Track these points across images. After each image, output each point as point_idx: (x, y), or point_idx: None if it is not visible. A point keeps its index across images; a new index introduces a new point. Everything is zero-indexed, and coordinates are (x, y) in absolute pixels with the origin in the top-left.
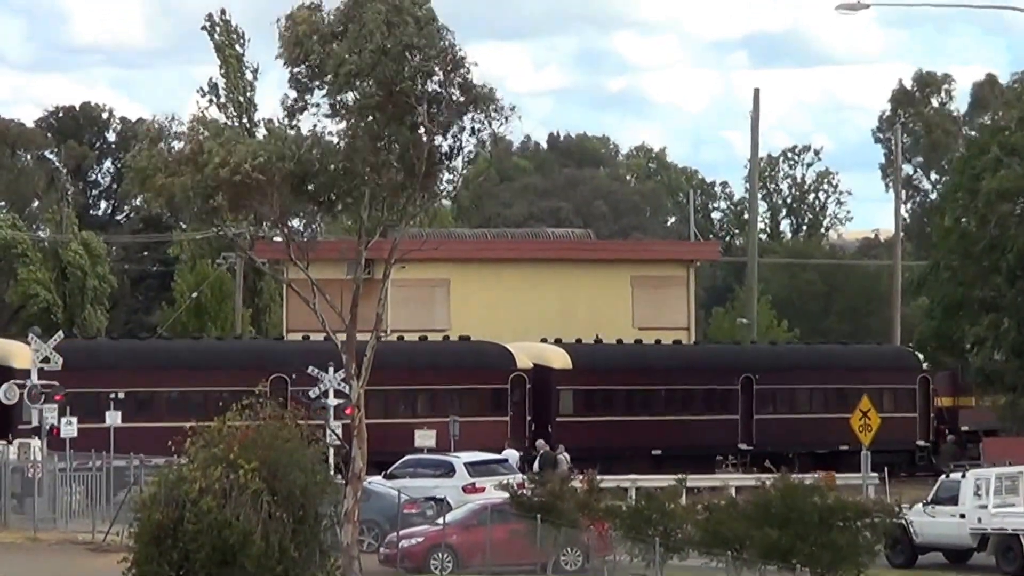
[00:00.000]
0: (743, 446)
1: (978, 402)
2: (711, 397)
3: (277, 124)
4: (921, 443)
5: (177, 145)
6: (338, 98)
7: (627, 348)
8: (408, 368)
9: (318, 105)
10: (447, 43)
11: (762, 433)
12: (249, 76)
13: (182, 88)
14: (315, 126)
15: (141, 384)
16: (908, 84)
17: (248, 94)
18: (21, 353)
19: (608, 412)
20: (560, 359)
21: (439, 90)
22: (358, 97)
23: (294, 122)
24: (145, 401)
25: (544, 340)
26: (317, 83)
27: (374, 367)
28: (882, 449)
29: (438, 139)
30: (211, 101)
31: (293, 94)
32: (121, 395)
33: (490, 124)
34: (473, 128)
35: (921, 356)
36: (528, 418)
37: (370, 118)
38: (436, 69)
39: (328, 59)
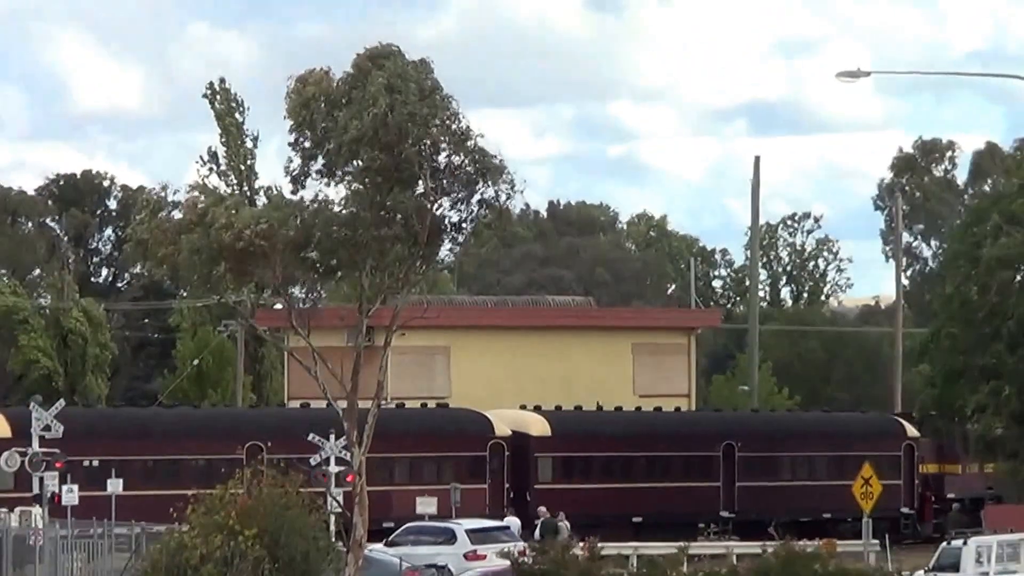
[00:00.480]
0: (724, 514)
1: (964, 469)
2: (692, 464)
3: (276, 191)
4: (905, 510)
5: (177, 215)
6: (341, 168)
7: (606, 415)
8: (385, 436)
9: (320, 172)
10: (451, 112)
11: (744, 501)
12: (249, 144)
13: (182, 156)
14: (318, 194)
15: (114, 452)
16: (908, 151)
17: (249, 162)
18: None
19: (587, 479)
20: (539, 426)
21: (446, 160)
22: (360, 164)
23: (297, 188)
24: (118, 469)
25: (523, 407)
26: (320, 152)
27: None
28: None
29: (445, 209)
30: (211, 169)
31: (297, 161)
32: (96, 463)
33: (498, 196)
34: (481, 200)
35: (905, 423)
36: (506, 485)
37: (372, 184)
38: (442, 140)
39: (334, 127)
